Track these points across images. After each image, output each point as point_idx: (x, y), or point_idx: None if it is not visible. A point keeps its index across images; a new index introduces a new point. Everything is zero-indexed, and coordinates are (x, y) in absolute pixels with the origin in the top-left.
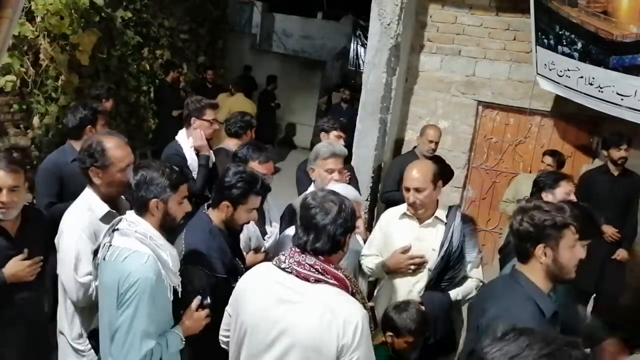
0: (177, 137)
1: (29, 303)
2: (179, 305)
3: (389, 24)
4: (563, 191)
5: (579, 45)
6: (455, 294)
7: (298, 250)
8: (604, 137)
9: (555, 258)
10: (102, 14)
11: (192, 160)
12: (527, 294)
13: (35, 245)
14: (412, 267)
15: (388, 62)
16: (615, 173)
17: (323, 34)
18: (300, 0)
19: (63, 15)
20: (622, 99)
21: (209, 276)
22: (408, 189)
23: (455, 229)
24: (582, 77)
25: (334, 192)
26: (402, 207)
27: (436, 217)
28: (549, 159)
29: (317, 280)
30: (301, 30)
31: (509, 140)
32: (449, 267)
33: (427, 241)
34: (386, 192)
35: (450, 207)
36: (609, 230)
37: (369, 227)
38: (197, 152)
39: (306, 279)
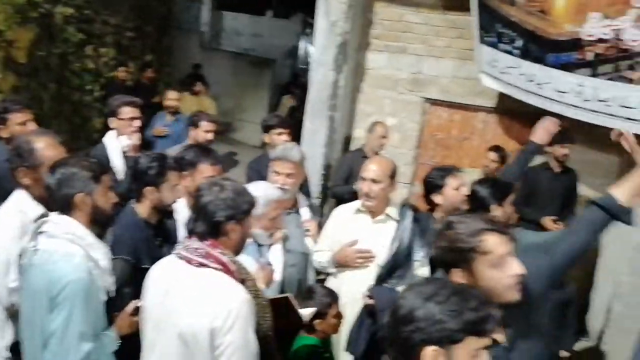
0: (103, 139)
1: None
2: (113, 305)
3: (335, 22)
4: (451, 188)
5: (519, 43)
6: (402, 289)
7: (189, 235)
8: None
9: (476, 283)
10: (40, 9)
11: (117, 163)
12: None
13: None
14: (360, 260)
15: (335, 59)
16: (557, 170)
17: (273, 32)
18: None
19: None
20: (560, 95)
21: (134, 267)
22: (364, 179)
23: (406, 228)
24: (522, 74)
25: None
26: (356, 204)
27: (388, 215)
28: (492, 155)
29: (201, 265)
30: (251, 28)
31: (455, 137)
32: (398, 265)
33: (378, 237)
34: (335, 187)
35: (403, 206)
36: (549, 223)
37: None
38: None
39: (190, 263)
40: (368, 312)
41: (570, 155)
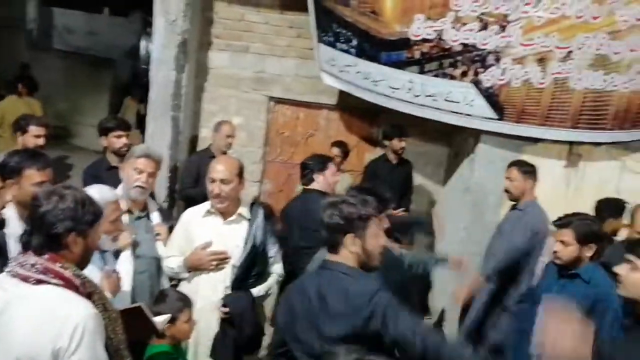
0: None
1: None
2: None
3: (174, 20)
4: (331, 172)
5: (355, 42)
6: (257, 290)
7: (24, 250)
8: (385, 129)
9: (363, 246)
10: None
11: None
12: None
13: None
14: (214, 263)
15: (176, 59)
16: (394, 162)
17: (111, 30)
18: None
19: None
20: (393, 92)
21: None
22: (214, 180)
23: (259, 226)
24: (359, 72)
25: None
26: (205, 205)
27: (239, 214)
28: (336, 150)
29: (39, 281)
30: (86, 26)
31: (301, 134)
32: (254, 264)
33: (231, 238)
34: (185, 189)
35: (252, 204)
36: (392, 212)
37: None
38: None
39: (26, 280)
40: (227, 322)
41: (405, 148)
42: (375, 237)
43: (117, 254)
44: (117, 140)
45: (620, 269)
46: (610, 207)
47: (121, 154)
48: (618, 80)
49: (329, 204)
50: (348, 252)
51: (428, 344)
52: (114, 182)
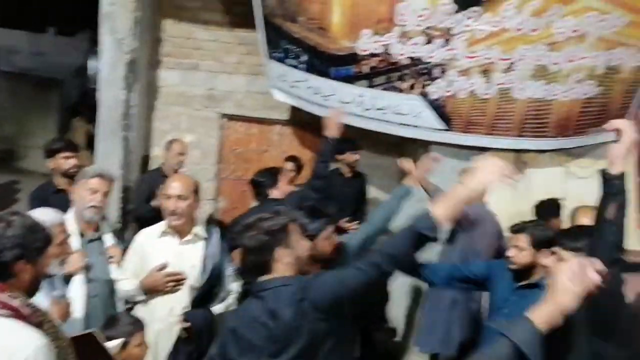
0: None
1: None
2: None
3: (122, 39)
4: (283, 183)
5: (304, 58)
6: (217, 309)
7: None
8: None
9: (294, 254)
10: None
11: None
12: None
13: None
14: (170, 284)
15: (125, 78)
16: (348, 175)
17: (57, 50)
18: (26, 13)
19: None
20: (344, 106)
21: None
22: (169, 197)
23: (215, 245)
24: (310, 87)
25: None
26: (160, 226)
27: (195, 234)
28: (289, 165)
29: None
30: (30, 46)
31: (254, 150)
32: (213, 284)
33: (187, 258)
34: (138, 209)
35: (209, 222)
36: (347, 225)
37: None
38: None
39: None
40: (184, 338)
41: (359, 161)
42: (300, 242)
43: (67, 278)
44: (65, 161)
45: (547, 260)
46: (549, 208)
47: (70, 176)
48: (558, 90)
49: (245, 227)
50: (282, 266)
51: (380, 264)
52: (62, 205)
